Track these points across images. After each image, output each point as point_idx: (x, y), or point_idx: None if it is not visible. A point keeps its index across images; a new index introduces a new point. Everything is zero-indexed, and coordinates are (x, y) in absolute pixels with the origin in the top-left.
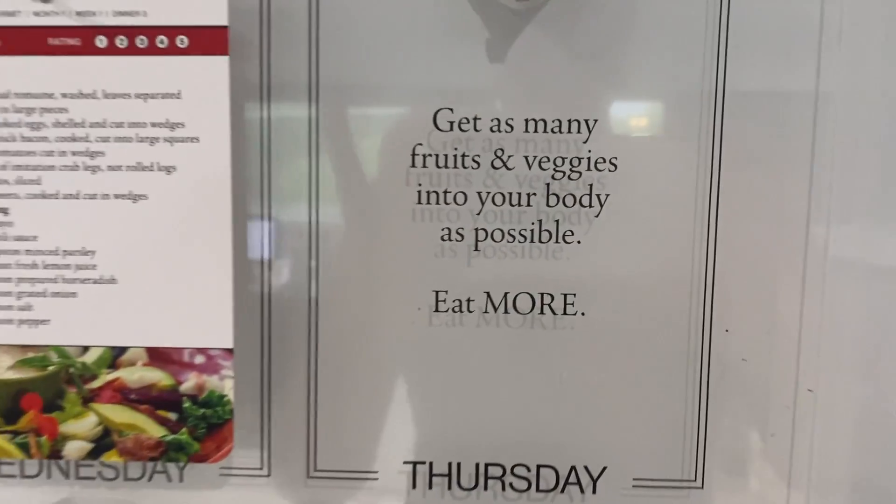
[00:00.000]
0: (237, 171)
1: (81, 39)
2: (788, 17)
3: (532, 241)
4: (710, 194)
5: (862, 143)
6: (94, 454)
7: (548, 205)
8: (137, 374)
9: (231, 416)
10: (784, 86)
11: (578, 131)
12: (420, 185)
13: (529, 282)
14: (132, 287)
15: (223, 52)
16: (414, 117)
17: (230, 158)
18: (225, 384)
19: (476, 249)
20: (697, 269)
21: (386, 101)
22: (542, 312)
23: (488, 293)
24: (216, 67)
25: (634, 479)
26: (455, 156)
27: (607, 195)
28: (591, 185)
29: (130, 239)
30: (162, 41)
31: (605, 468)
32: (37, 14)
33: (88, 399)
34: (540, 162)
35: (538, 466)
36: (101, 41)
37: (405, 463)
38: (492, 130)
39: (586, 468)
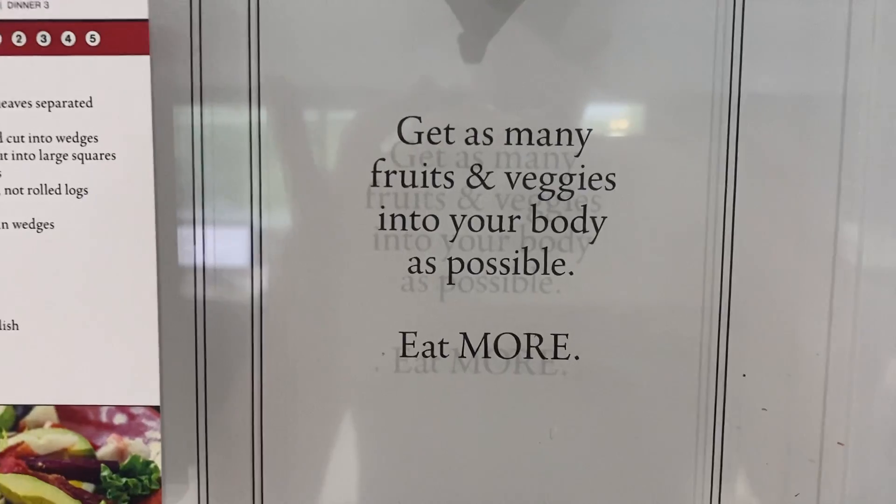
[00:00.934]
0: (165, 193)
1: None
2: (809, 14)
3: (516, 271)
4: (723, 214)
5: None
6: None
7: (534, 229)
8: (45, 438)
9: (159, 485)
10: (808, 88)
11: (569, 143)
12: (383, 207)
13: (513, 320)
14: (37, 334)
15: (143, 50)
16: (375, 127)
17: (153, 178)
18: (151, 448)
19: (450, 283)
20: (709, 304)
21: (341, 108)
22: (528, 356)
23: (465, 334)
24: (135, 69)
25: None
26: (424, 172)
27: (604, 217)
28: (584, 206)
29: (34, 276)
30: (69, 38)
31: None
32: None
33: None
34: (524, 179)
35: None
36: None
37: None
38: (467, 142)
39: None
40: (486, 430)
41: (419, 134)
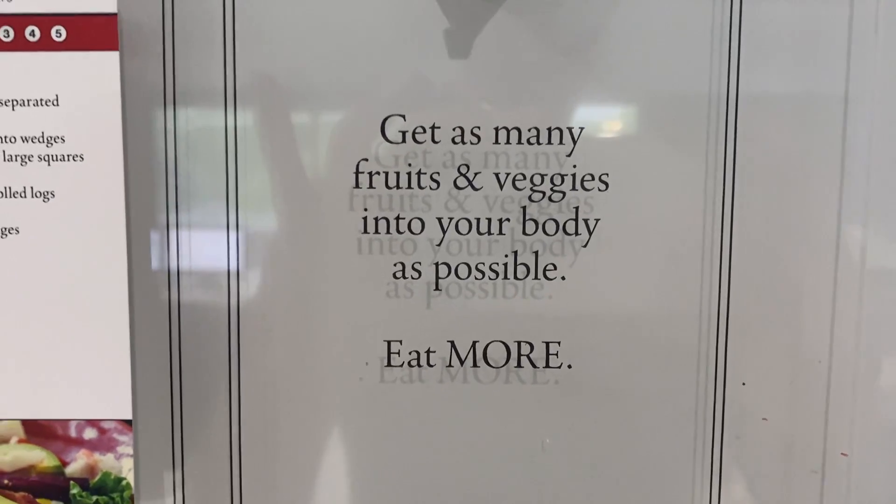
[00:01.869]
0: (138, 196)
1: None
2: (810, 13)
3: (506, 276)
4: (721, 216)
5: None
6: None
7: (524, 232)
8: (11, 454)
9: (132, 503)
10: (809, 88)
11: (561, 142)
12: (366, 209)
13: (503, 328)
14: (1, 345)
15: (112, 46)
16: (357, 126)
17: (123, 180)
18: (122, 464)
19: (437, 289)
20: (707, 309)
21: (322, 107)
22: (518, 365)
23: (452, 342)
24: (104, 66)
25: None
26: (409, 173)
27: (597, 220)
28: (576, 208)
29: None
30: (33, 33)
31: None
32: None
33: None
34: (514, 180)
35: None
36: None
37: None
38: (454, 142)
39: None
40: (475, 442)
41: (403, 133)
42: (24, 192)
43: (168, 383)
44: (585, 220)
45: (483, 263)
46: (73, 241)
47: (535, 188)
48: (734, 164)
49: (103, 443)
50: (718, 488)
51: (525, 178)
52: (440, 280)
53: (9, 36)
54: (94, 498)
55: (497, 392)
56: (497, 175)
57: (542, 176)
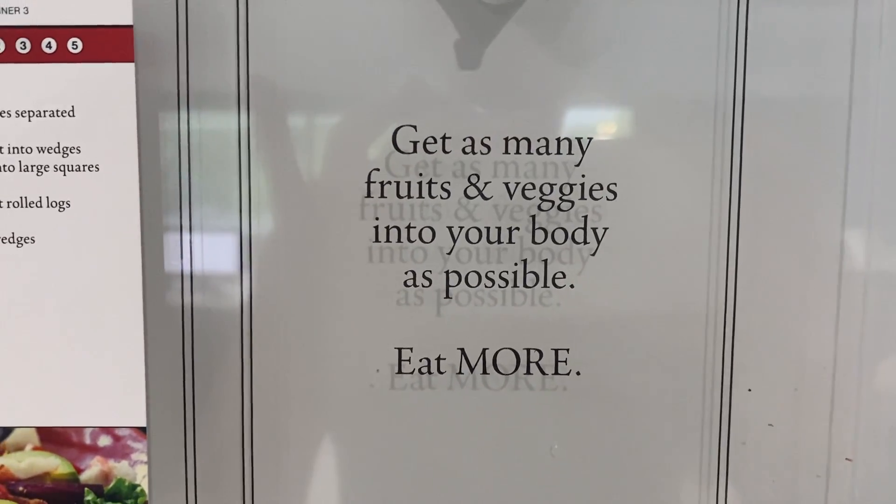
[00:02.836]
0: (150, 203)
1: None
2: (815, 18)
3: (515, 285)
4: (727, 223)
5: None
6: None
7: (534, 241)
8: (27, 461)
9: None
10: (813, 92)
11: (570, 152)
12: (378, 218)
13: (512, 335)
14: (17, 353)
15: (128, 57)
16: (369, 136)
17: (139, 190)
18: (137, 471)
19: (447, 296)
20: (713, 317)
21: (333, 116)
22: (528, 372)
23: (462, 350)
24: (119, 77)
25: None
26: (420, 183)
27: (605, 229)
28: (585, 217)
29: (14, 293)
30: (49, 45)
31: None
32: None
33: None
34: (523, 189)
35: None
36: None
37: None
38: (464, 152)
39: None
40: (484, 448)
41: (414, 143)
42: (40, 201)
43: (181, 390)
44: (594, 229)
45: (493, 271)
46: (88, 251)
47: (544, 197)
48: (740, 170)
49: (118, 450)
50: (725, 493)
51: (534, 187)
52: (450, 288)
53: (26, 48)
54: None
55: (506, 399)
56: (507, 184)
57: (552, 185)
